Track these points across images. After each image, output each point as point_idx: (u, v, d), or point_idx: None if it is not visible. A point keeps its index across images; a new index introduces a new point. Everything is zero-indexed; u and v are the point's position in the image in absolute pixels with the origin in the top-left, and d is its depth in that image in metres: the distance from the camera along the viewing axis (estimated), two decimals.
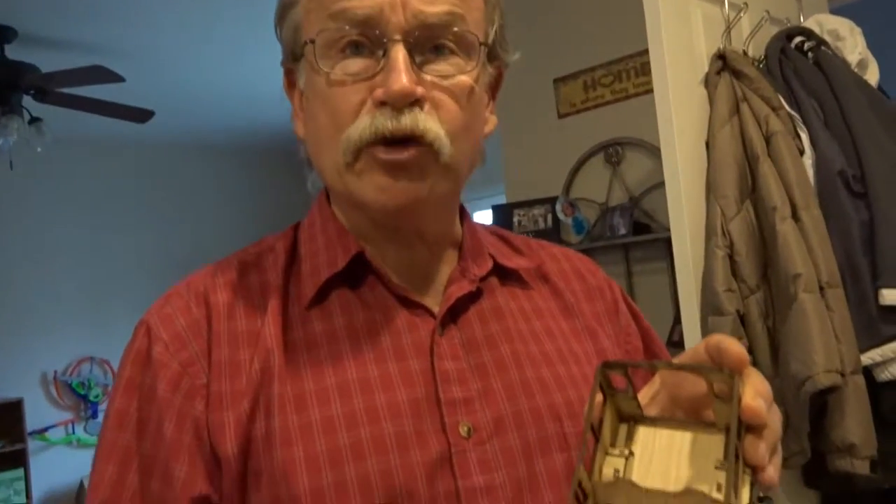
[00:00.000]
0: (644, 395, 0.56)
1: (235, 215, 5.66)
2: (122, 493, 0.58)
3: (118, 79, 3.14)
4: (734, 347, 0.49)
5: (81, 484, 4.73)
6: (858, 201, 1.40)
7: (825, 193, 1.41)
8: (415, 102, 0.58)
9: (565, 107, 2.87)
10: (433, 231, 0.67)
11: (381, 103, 0.58)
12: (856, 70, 1.61)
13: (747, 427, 0.50)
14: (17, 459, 4.37)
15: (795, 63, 1.55)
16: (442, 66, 0.60)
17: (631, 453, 0.53)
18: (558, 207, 2.78)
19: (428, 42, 0.59)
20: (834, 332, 1.29)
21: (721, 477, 0.50)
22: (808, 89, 1.51)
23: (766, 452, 0.49)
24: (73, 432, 4.94)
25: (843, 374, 1.27)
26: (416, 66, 0.58)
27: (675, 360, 0.55)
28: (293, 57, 0.65)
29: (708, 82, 1.51)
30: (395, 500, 0.55)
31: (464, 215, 0.72)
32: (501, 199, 3.12)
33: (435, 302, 0.65)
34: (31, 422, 4.59)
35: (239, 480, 0.57)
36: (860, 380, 1.31)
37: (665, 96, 1.47)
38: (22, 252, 4.81)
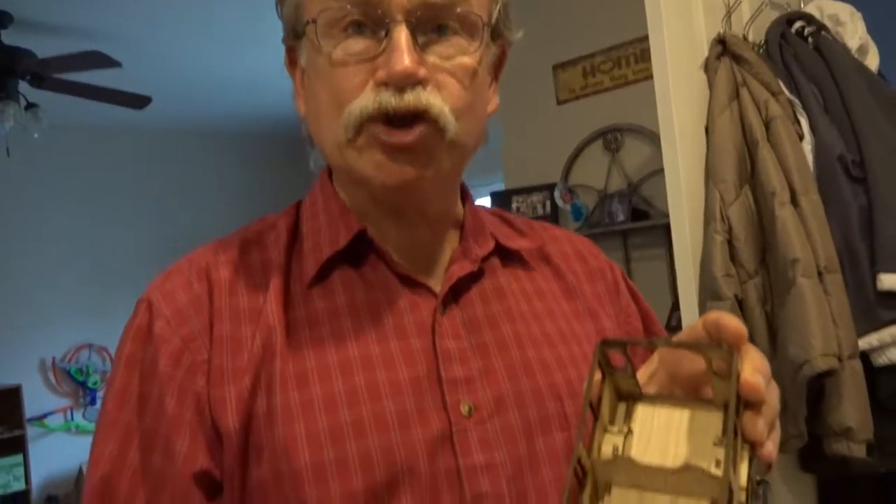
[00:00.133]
0: (642, 374, 0.57)
1: (234, 202, 5.65)
2: (123, 469, 0.58)
3: (115, 64, 3.13)
4: (733, 323, 0.49)
5: (80, 470, 4.75)
6: (857, 186, 1.40)
7: (824, 178, 1.41)
8: (417, 83, 0.57)
9: (564, 93, 2.86)
10: (435, 210, 0.67)
11: (384, 84, 0.57)
12: (856, 55, 1.60)
13: (746, 403, 0.50)
14: (17, 445, 4.39)
15: (795, 48, 1.55)
16: (444, 47, 0.60)
17: (630, 431, 0.53)
18: (557, 194, 2.78)
19: (430, 22, 0.59)
20: (832, 317, 1.30)
21: (720, 453, 0.50)
22: (808, 74, 1.51)
23: (765, 428, 0.49)
24: (72, 419, 4.95)
25: (840, 359, 1.28)
26: (419, 46, 0.58)
27: (674, 339, 0.55)
28: (294, 35, 0.65)
29: (708, 67, 1.50)
30: (396, 477, 0.56)
31: (465, 196, 0.72)
32: (500, 187, 3.12)
33: (436, 281, 0.65)
34: (30, 408, 4.60)
35: (240, 456, 0.57)
36: (857, 364, 1.31)
37: (665, 81, 1.46)
38: (20, 239, 4.81)
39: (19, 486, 4.37)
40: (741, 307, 1.37)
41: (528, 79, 2.85)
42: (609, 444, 0.53)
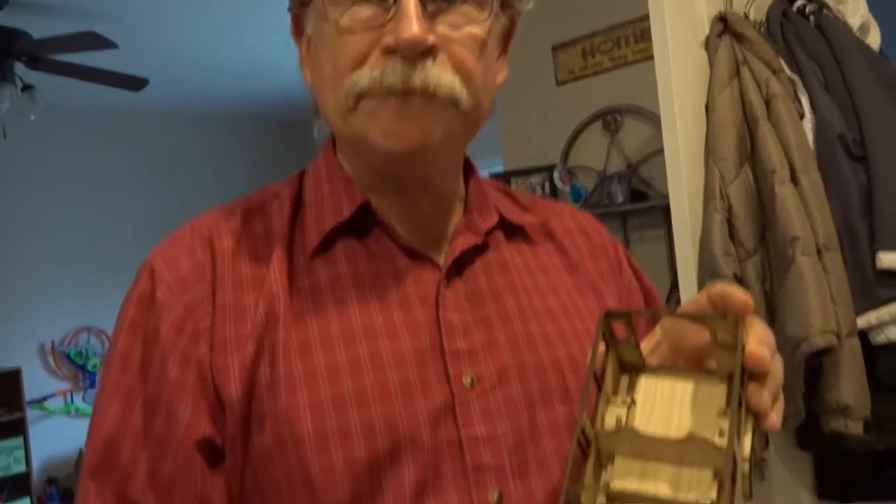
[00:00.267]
0: (645, 347, 0.57)
1: (231, 185, 5.61)
2: (126, 432, 0.58)
3: (111, 45, 3.10)
4: (739, 294, 0.50)
5: (80, 452, 4.77)
6: (857, 165, 1.40)
7: (824, 157, 1.41)
8: (426, 53, 0.56)
9: (563, 74, 2.85)
10: (439, 183, 0.66)
11: (391, 51, 0.56)
12: (857, 33, 1.59)
13: (750, 374, 0.50)
14: (17, 428, 4.40)
15: (797, 26, 1.54)
16: (454, 16, 0.58)
17: (633, 402, 0.53)
18: (556, 175, 2.77)
19: None
20: (830, 295, 1.30)
21: (723, 424, 0.50)
22: (809, 52, 1.50)
23: (770, 399, 0.49)
24: (72, 402, 4.97)
25: (838, 336, 1.28)
26: (428, 14, 0.57)
27: (678, 310, 0.55)
28: (300, 2, 0.64)
29: (708, 45, 1.50)
30: (398, 446, 0.56)
31: (470, 170, 0.72)
32: (498, 169, 3.11)
33: (440, 254, 0.65)
34: (30, 391, 4.61)
35: (242, 423, 0.57)
36: (855, 342, 1.32)
37: (665, 59, 1.46)
38: (16, 222, 4.79)
39: (20, 468, 4.39)
40: (740, 285, 1.37)
41: (527, 59, 2.83)
42: (612, 415, 0.53)
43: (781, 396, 0.52)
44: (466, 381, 0.60)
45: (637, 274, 0.80)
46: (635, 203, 2.63)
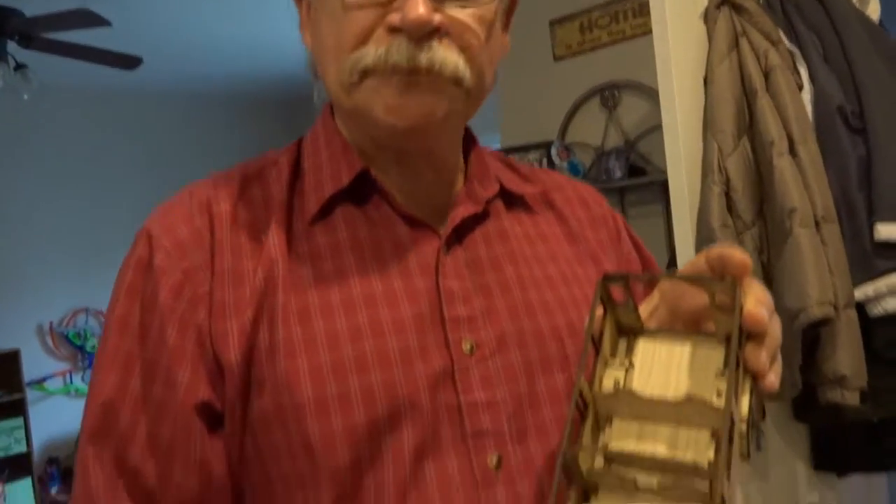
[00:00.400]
0: (643, 310, 0.57)
1: (228, 165, 5.58)
2: (125, 397, 0.58)
3: (104, 23, 3.07)
4: (737, 254, 0.50)
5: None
6: (856, 137, 1.39)
7: (823, 128, 1.40)
8: (432, 33, 0.56)
9: (561, 49, 2.83)
10: (440, 156, 0.66)
11: (395, 29, 0.56)
12: (857, 5, 1.58)
13: (748, 335, 0.50)
14: (17, 409, 4.42)
15: None
16: None
17: (631, 364, 0.54)
18: (554, 152, 2.76)
19: None
20: (828, 266, 1.30)
21: (721, 385, 0.50)
22: (808, 23, 1.49)
23: (767, 360, 0.50)
24: (71, 382, 4.98)
25: (836, 307, 1.29)
26: None
27: (676, 273, 0.55)
28: None
29: (707, 17, 1.48)
30: (397, 411, 0.56)
31: (471, 140, 0.72)
32: (496, 146, 3.10)
33: (440, 222, 0.65)
34: (29, 372, 4.62)
35: (242, 388, 0.57)
36: (853, 313, 1.32)
37: (664, 34, 1.44)
38: (12, 203, 4.77)
39: (20, 448, 4.41)
40: None
41: (525, 35, 2.81)
42: (610, 377, 0.53)
43: (780, 357, 0.52)
44: (466, 347, 0.60)
45: (636, 245, 0.80)
46: (633, 179, 2.63)
